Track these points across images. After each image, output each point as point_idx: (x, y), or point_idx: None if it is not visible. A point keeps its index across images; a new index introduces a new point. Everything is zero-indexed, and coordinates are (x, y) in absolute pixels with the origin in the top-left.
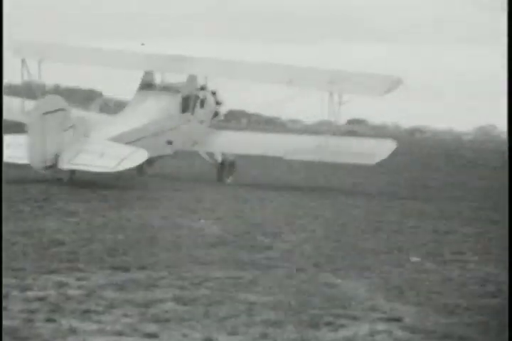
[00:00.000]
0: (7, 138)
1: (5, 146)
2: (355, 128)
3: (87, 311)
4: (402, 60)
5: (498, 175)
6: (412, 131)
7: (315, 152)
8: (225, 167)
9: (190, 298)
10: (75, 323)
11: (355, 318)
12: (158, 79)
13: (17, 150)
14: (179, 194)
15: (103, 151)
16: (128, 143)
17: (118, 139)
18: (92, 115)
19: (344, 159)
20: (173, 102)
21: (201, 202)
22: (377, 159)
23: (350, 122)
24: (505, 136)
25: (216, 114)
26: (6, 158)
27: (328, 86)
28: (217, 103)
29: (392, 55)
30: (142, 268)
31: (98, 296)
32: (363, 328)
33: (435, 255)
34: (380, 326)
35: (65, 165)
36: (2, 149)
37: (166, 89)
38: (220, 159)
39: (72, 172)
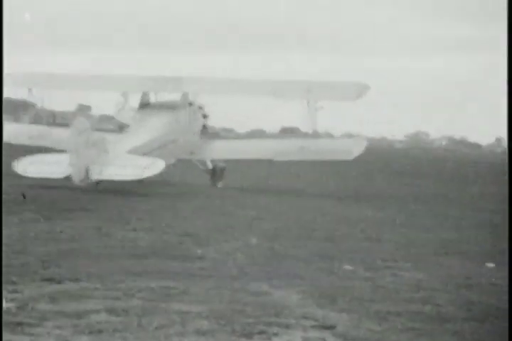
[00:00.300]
0: (39, 157)
1: (38, 164)
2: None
3: (19, 324)
4: (342, 71)
5: (430, 182)
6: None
7: (300, 152)
8: (217, 172)
9: (123, 308)
10: (8, 336)
11: (287, 326)
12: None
13: (53, 166)
14: (120, 202)
15: (125, 163)
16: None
17: (132, 153)
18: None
19: (325, 157)
20: (171, 118)
21: (135, 212)
22: (354, 155)
23: (283, 130)
24: (437, 142)
25: (204, 127)
26: (45, 174)
27: (306, 94)
28: (204, 116)
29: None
30: (75, 279)
31: (31, 308)
32: (296, 336)
33: (367, 262)
34: (313, 334)
35: (95, 176)
36: (2, 153)
37: (164, 106)
38: (211, 166)
39: (97, 183)
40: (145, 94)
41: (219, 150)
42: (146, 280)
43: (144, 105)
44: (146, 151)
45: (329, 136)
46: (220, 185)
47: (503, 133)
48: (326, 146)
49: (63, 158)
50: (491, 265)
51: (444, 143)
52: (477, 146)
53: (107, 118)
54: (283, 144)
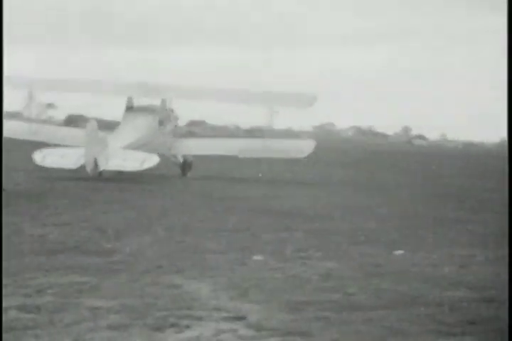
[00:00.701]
0: (52, 150)
1: (52, 156)
2: (195, 129)
3: None
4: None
5: (340, 172)
6: (252, 131)
7: (261, 150)
8: (186, 165)
9: (34, 305)
10: None
11: (199, 319)
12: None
13: (66, 159)
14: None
15: (125, 157)
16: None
17: (126, 148)
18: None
19: (283, 155)
20: (154, 120)
21: (48, 209)
22: (305, 154)
23: (190, 124)
24: (344, 133)
25: (176, 127)
26: (60, 165)
27: (267, 102)
28: (176, 118)
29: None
30: None
31: None
32: (208, 328)
33: (277, 253)
34: (225, 325)
35: (102, 167)
36: (1, 150)
37: (147, 110)
38: (181, 160)
39: (100, 172)
40: (130, 99)
41: (190, 147)
42: (57, 276)
43: (129, 108)
44: (135, 147)
45: (238, 129)
46: (189, 175)
47: (409, 123)
48: (284, 146)
49: (73, 152)
50: (399, 252)
51: (350, 133)
52: (383, 136)
53: (13, 115)
54: (247, 143)
